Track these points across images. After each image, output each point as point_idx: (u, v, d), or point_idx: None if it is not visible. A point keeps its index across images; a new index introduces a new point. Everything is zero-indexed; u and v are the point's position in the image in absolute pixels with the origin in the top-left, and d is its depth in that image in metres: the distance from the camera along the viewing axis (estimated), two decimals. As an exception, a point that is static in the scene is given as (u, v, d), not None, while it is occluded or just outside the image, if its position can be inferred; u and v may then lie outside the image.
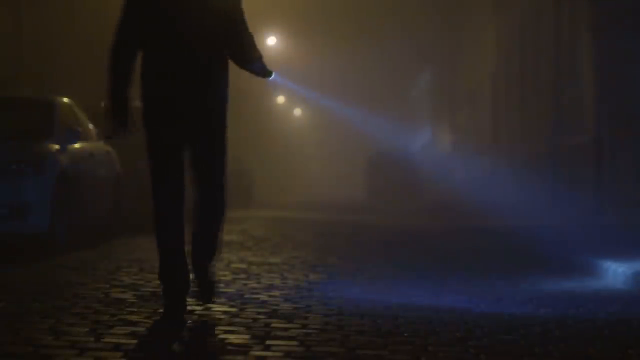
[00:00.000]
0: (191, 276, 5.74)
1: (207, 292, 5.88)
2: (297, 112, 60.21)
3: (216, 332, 5.26)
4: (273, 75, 5.96)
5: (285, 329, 5.35)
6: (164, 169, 5.61)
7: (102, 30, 22.90)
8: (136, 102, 5.66)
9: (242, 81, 28.60)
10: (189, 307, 6.01)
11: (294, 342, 4.96)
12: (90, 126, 12.31)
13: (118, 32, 5.58)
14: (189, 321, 5.55)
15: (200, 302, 5.94)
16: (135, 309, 5.92)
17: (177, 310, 5.59)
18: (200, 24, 5.51)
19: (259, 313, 5.94)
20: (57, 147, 10.39)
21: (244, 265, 8.95)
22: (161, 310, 5.84)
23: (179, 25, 5.49)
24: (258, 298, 6.64)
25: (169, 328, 5.38)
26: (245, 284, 7.45)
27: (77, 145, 10.98)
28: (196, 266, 5.77)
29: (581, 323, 5.85)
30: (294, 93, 47.53)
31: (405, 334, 5.31)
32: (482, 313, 6.18)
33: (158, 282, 7.07)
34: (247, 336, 5.12)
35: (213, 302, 6.06)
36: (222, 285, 7.36)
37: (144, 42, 5.54)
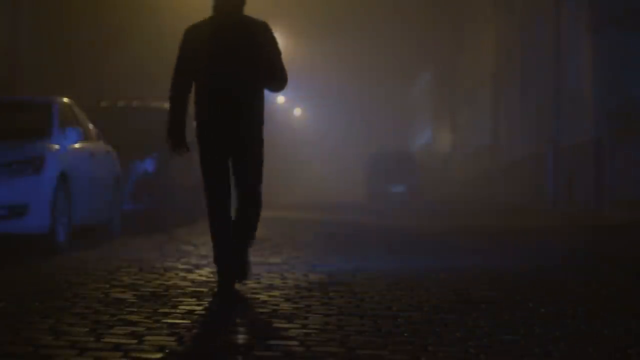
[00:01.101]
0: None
1: (243, 271, 6.88)
2: (297, 112, 60.24)
3: (216, 332, 5.26)
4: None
5: (285, 329, 5.35)
6: (213, 174, 6.80)
7: (102, 30, 22.93)
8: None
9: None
10: (188, 307, 6.03)
11: (294, 342, 4.96)
12: (90, 126, 12.31)
13: (175, 72, 6.79)
14: (189, 321, 5.56)
15: (237, 281, 6.85)
16: (135, 309, 5.92)
17: (229, 285, 6.75)
18: (241, 63, 6.70)
19: (259, 313, 5.94)
20: (57, 147, 10.40)
21: (244, 265, 8.94)
22: (161, 310, 5.87)
23: (224, 63, 6.69)
24: (258, 298, 6.64)
25: (220, 305, 6.40)
26: (245, 284, 7.45)
27: (77, 145, 10.98)
28: (235, 250, 6.83)
29: (581, 322, 5.85)
30: (295, 95, 47.61)
31: (405, 334, 5.31)
32: (482, 313, 6.18)
33: (158, 282, 7.12)
34: (247, 336, 5.12)
35: (246, 281, 7.01)
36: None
37: (196, 75, 6.75)
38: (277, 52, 6.80)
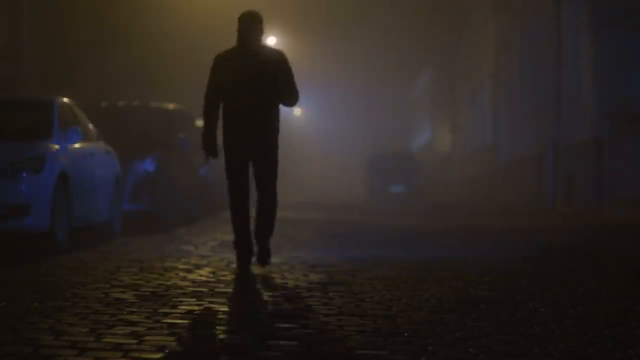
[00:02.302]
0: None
1: (265, 257, 8.48)
2: (297, 112, 60.24)
3: (216, 332, 5.26)
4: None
5: (285, 329, 5.35)
6: (235, 177, 8.28)
7: (102, 30, 22.94)
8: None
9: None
10: (188, 307, 6.05)
11: (294, 342, 4.96)
12: (90, 126, 12.31)
13: (207, 92, 8.26)
14: (189, 321, 5.56)
15: (260, 264, 8.43)
16: (135, 309, 5.92)
17: (245, 266, 8.27)
18: (259, 85, 8.17)
19: (259, 313, 5.94)
20: (57, 147, 10.39)
21: (244, 265, 8.94)
22: (161, 311, 5.88)
23: (244, 86, 8.16)
24: (258, 298, 6.64)
25: (240, 279, 7.86)
26: (245, 284, 7.45)
27: (77, 145, 10.98)
28: (259, 240, 8.43)
29: (581, 322, 5.86)
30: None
31: (405, 334, 5.31)
32: (482, 313, 6.18)
33: (158, 282, 7.15)
34: (247, 336, 5.12)
35: (269, 264, 8.50)
36: (222, 285, 7.37)
37: (224, 95, 8.24)
38: (291, 75, 8.30)
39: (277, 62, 8.25)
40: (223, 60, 8.29)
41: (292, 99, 8.34)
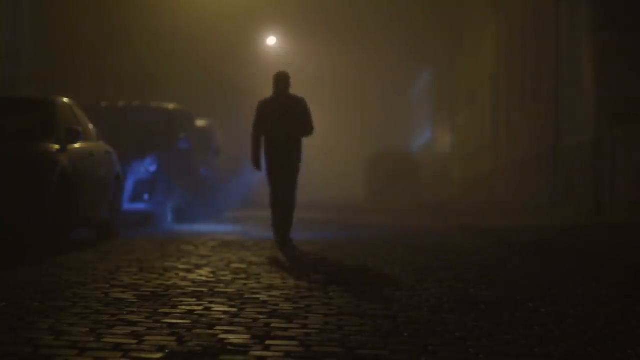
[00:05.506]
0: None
1: (287, 243, 11.61)
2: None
3: (216, 332, 5.26)
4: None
5: (285, 329, 5.35)
6: (273, 180, 11.82)
7: (102, 30, 22.92)
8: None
9: (241, 81, 28.47)
10: (188, 307, 6.05)
11: (294, 342, 4.96)
12: (90, 126, 12.31)
13: (253, 126, 11.81)
14: (189, 321, 5.56)
15: (281, 248, 11.18)
16: (135, 309, 5.92)
17: (280, 237, 11.78)
18: (288, 122, 11.74)
19: (259, 313, 5.94)
20: (57, 147, 10.40)
21: (244, 265, 8.96)
22: (161, 311, 5.89)
23: (279, 123, 11.72)
24: (258, 298, 6.64)
25: (280, 249, 11.09)
26: (245, 284, 7.46)
27: (77, 145, 10.99)
28: (283, 228, 11.78)
29: (581, 322, 5.86)
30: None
31: (405, 334, 5.31)
32: (482, 313, 6.18)
33: (158, 282, 7.17)
34: (247, 336, 5.12)
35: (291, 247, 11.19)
36: (222, 285, 7.38)
37: (264, 130, 11.78)
38: (309, 115, 11.84)
39: (300, 106, 11.82)
40: (264, 104, 11.88)
41: (309, 133, 11.88)
